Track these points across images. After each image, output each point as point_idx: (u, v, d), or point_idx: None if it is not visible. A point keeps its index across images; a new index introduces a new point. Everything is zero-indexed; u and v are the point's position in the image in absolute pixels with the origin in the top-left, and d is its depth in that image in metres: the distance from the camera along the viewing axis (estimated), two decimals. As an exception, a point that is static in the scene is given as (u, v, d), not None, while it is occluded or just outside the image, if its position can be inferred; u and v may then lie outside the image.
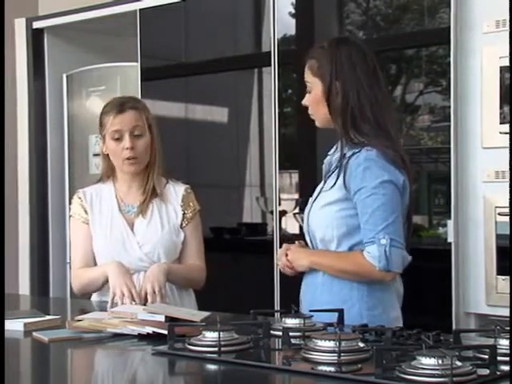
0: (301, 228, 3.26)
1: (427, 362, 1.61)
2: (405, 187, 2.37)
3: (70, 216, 2.98)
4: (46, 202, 4.97)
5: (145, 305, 2.57)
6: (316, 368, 1.74)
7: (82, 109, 4.85)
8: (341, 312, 2.23)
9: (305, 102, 2.48)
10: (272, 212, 3.84)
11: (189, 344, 1.94)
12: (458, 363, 1.63)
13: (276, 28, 3.80)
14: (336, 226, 2.37)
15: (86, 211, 2.89)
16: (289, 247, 2.49)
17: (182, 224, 2.88)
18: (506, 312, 2.60)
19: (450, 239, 3.25)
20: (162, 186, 2.91)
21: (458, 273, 3.24)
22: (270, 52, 3.81)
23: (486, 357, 1.72)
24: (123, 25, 4.52)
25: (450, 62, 3.25)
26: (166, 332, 2.01)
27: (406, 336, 1.96)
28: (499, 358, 1.71)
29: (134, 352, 2.13)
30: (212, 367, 1.87)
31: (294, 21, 3.90)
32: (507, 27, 3.05)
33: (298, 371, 1.77)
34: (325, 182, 2.45)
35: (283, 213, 3.82)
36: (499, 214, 3.12)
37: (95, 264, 2.86)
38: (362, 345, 1.82)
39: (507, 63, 3.04)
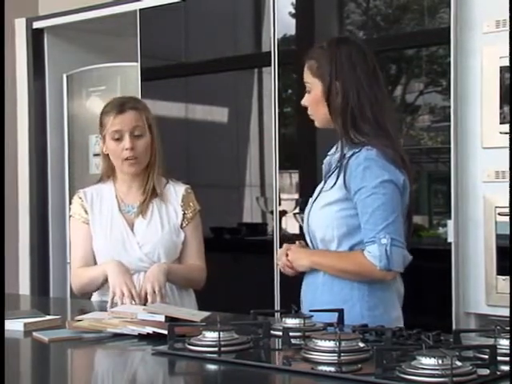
0: (301, 228, 3.26)
1: (427, 362, 1.61)
2: (405, 187, 2.37)
3: (70, 216, 2.98)
4: (46, 202, 4.97)
5: (145, 305, 2.57)
6: (316, 368, 1.74)
7: (82, 109, 4.85)
8: (341, 312, 2.23)
9: (304, 102, 2.48)
10: (272, 212, 3.84)
11: (189, 344, 1.94)
12: (458, 363, 1.63)
13: (276, 28, 3.80)
14: (336, 226, 2.37)
15: (86, 211, 2.89)
16: (289, 247, 2.49)
17: (182, 224, 2.88)
18: (506, 312, 2.60)
19: (450, 239, 3.25)
20: (162, 186, 2.91)
21: (458, 273, 3.24)
22: (270, 52, 3.81)
23: (486, 357, 1.72)
24: (123, 25, 4.52)
25: (450, 62, 3.25)
26: (166, 332, 2.01)
27: (406, 336, 1.96)
28: (499, 358, 1.71)
29: (134, 352, 2.13)
30: (212, 367, 1.87)
31: (294, 21, 3.90)
32: (507, 27, 3.05)
33: (298, 371, 1.77)
34: (325, 182, 2.45)
35: (283, 213, 3.82)
36: (499, 214, 3.12)
37: (95, 264, 2.86)
38: (362, 345, 1.82)
39: (507, 63, 3.04)
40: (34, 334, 2.22)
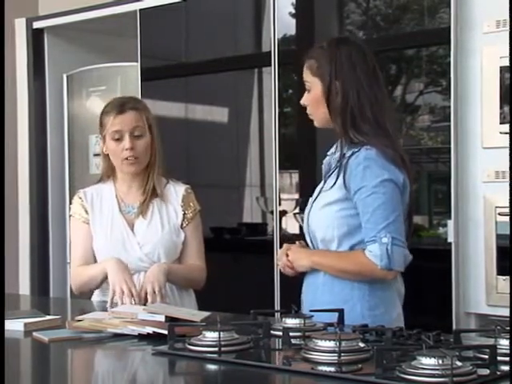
0: (301, 228, 3.26)
1: (427, 362, 1.61)
2: (405, 186, 2.37)
3: (70, 216, 2.98)
4: (46, 202, 4.97)
5: (145, 305, 2.57)
6: (316, 368, 1.74)
7: (82, 109, 4.85)
8: (341, 312, 2.23)
9: (303, 101, 2.48)
10: (272, 212, 3.84)
11: (189, 344, 1.94)
12: (459, 363, 1.63)
13: (276, 28, 3.80)
14: (337, 226, 2.37)
15: (86, 211, 2.89)
16: (289, 247, 2.49)
17: (182, 224, 2.88)
18: (506, 312, 2.60)
19: (450, 239, 3.25)
20: (163, 186, 2.91)
21: (458, 273, 3.24)
22: (270, 52, 3.81)
23: (487, 357, 1.72)
24: (123, 25, 4.52)
25: (450, 62, 3.25)
26: (166, 332, 2.01)
27: (406, 336, 1.96)
28: (499, 358, 1.71)
29: (134, 352, 2.13)
30: (212, 367, 1.87)
31: (294, 21, 3.90)
32: (507, 27, 3.05)
33: (298, 371, 1.77)
34: (325, 182, 2.45)
35: (283, 213, 3.82)
36: (499, 214, 3.12)
37: (95, 263, 2.86)
38: (362, 345, 1.82)
39: (507, 63, 3.04)
40: (34, 334, 2.22)
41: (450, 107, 3.26)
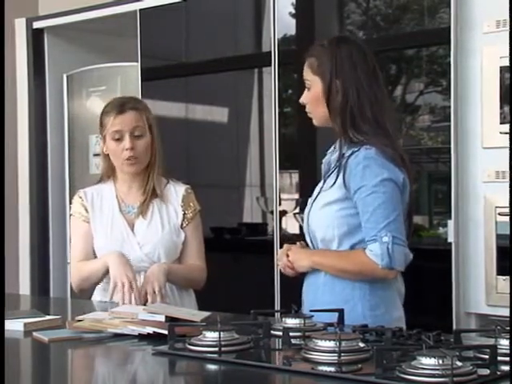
0: (301, 228, 3.25)
1: (427, 362, 1.61)
2: (405, 185, 2.37)
3: (70, 215, 2.98)
4: (46, 202, 4.97)
5: (145, 305, 2.57)
6: (316, 368, 1.74)
7: (82, 109, 4.85)
8: (341, 312, 2.23)
9: (303, 99, 2.48)
10: (272, 212, 3.84)
11: (189, 344, 1.94)
12: (459, 363, 1.63)
13: (276, 28, 3.80)
14: (337, 226, 2.37)
15: (86, 210, 2.89)
16: (290, 248, 2.49)
17: (182, 224, 2.88)
18: (506, 312, 2.60)
19: (451, 239, 3.25)
20: (163, 187, 2.91)
21: (458, 273, 3.24)
22: (271, 52, 3.81)
23: (487, 357, 1.72)
24: (123, 25, 4.52)
25: (450, 62, 3.25)
26: (166, 332, 2.01)
27: (406, 336, 1.96)
28: (499, 358, 1.71)
29: (134, 352, 2.13)
30: (212, 367, 1.87)
31: (294, 21, 3.90)
32: (507, 27, 3.05)
33: (298, 371, 1.77)
34: (324, 182, 2.44)
35: (283, 213, 3.82)
36: (499, 214, 3.12)
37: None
38: (362, 345, 1.82)
39: (507, 63, 3.04)
40: (34, 333, 2.22)
41: (450, 107, 3.26)
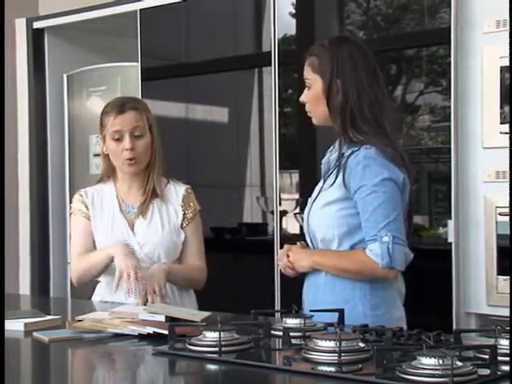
0: (301, 228, 3.26)
1: (428, 362, 1.61)
2: (405, 185, 2.37)
3: (70, 214, 2.97)
4: (46, 203, 4.98)
5: (145, 305, 2.57)
6: (316, 368, 1.74)
7: (82, 109, 4.85)
8: (341, 312, 2.23)
9: (303, 98, 2.47)
10: (272, 212, 3.84)
11: (189, 344, 1.94)
12: (459, 363, 1.63)
13: (276, 28, 3.80)
14: (337, 226, 2.37)
15: (87, 207, 2.88)
16: (290, 248, 2.49)
17: (182, 224, 2.88)
18: (506, 312, 2.60)
19: (451, 239, 3.25)
20: (163, 187, 2.91)
21: (458, 273, 3.24)
22: (271, 52, 3.81)
23: (487, 357, 1.72)
24: (124, 25, 4.52)
25: (450, 62, 3.25)
26: (166, 332, 2.01)
27: (406, 336, 1.96)
28: (500, 358, 1.71)
29: (134, 352, 2.13)
30: (212, 367, 1.87)
31: (294, 21, 3.90)
32: (507, 27, 3.05)
33: (298, 371, 1.77)
34: (324, 182, 2.44)
35: (284, 213, 3.82)
36: (500, 214, 3.12)
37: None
38: (362, 345, 1.82)
39: (507, 63, 3.04)
40: (35, 334, 2.22)
41: (450, 107, 3.26)
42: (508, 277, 3.07)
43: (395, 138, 2.45)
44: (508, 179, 2.91)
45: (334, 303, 2.31)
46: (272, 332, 2.01)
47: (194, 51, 4.31)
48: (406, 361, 1.67)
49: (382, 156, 2.32)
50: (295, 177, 3.88)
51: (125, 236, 2.83)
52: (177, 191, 2.92)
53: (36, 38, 4.94)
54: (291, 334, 1.96)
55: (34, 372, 2.03)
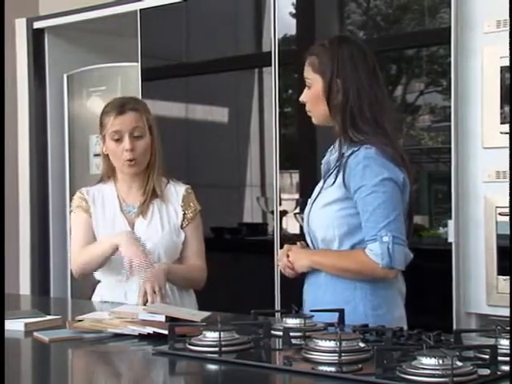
0: (301, 228, 3.26)
1: (428, 362, 1.61)
2: (405, 185, 2.37)
3: (70, 212, 2.97)
4: (46, 203, 4.98)
5: (145, 305, 2.57)
6: (317, 368, 1.74)
7: (82, 109, 4.85)
8: (341, 312, 2.23)
9: (303, 98, 2.47)
10: (272, 212, 3.84)
11: (189, 344, 1.94)
12: (459, 363, 1.63)
13: (276, 28, 3.80)
14: (337, 226, 2.37)
15: (87, 203, 2.88)
16: (290, 248, 2.49)
17: (182, 224, 2.88)
18: (506, 312, 2.60)
19: (451, 239, 3.25)
20: (163, 187, 2.91)
21: (458, 273, 3.24)
22: (271, 52, 3.81)
23: (487, 357, 1.72)
24: (124, 25, 4.52)
25: (450, 62, 3.25)
26: (166, 332, 2.01)
27: (406, 336, 1.96)
28: (500, 358, 1.71)
29: (134, 352, 2.13)
30: (213, 367, 1.87)
31: (294, 21, 3.90)
32: (508, 27, 3.05)
33: (298, 371, 1.77)
34: (324, 182, 2.44)
35: (284, 213, 3.82)
36: (500, 214, 3.12)
37: None
38: (362, 345, 1.82)
39: (508, 63, 3.04)
40: (35, 333, 2.22)
41: (450, 107, 3.26)
42: (508, 277, 3.07)
43: (395, 138, 2.45)
44: (508, 179, 2.91)
45: (334, 303, 2.30)
46: (272, 332, 2.01)
47: (194, 51, 4.31)
48: (406, 361, 1.67)
49: (381, 156, 2.32)
50: (295, 177, 3.88)
51: (125, 236, 2.82)
52: (177, 191, 2.92)
53: (36, 38, 4.94)
54: (291, 334, 1.96)
55: (34, 372, 2.03)
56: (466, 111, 3.23)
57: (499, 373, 1.67)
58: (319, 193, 2.44)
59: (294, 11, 3.87)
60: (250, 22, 4.15)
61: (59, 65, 4.95)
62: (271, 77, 3.82)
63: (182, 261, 2.89)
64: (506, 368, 1.68)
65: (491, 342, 1.83)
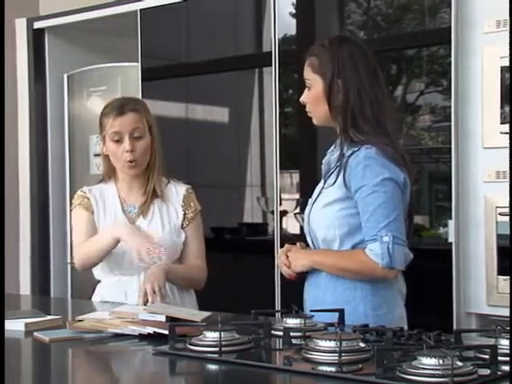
0: (302, 228, 3.26)
1: (428, 362, 1.61)
2: (405, 184, 2.37)
3: (71, 210, 2.96)
4: (46, 203, 4.98)
5: (145, 305, 2.57)
6: (317, 368, 1.74)
7: (82, 109, 4.85)
8: (341, 312, 2.23)
9: (303, 99, 2.47)
10: (273, 212, 3.84)
11: (190, 344, 1.94)
12: (459, 363, 1.63)
13: (277, 28, 3.80)
14: (338, 226, 2.37)
15: (88, 199, 2.87)
16: (290, 248, 2.48)
17: (182, 224, 2.88)
18: (506, 312, 2.60)
19: (451, 239, 3.25)
20: (163, 187, 2.91)
21: (458, 273, 3.24)
22: (271, 52, 3.81)
23: (487, 357, 1.72)
24: (124, 25, 4.52)
25: (450, 62, 3.25)
26: (166, 332, 2.01)
27: (406, 336, 1.96)
28: (500, 358, 1.70)
29: (134, 352, 2.13)
30: (213, 367, 1.87)
31: (294, 21, 3.90)
32: (508, 27, 3.05)
33: (298, 371, 1.77)
34: (325, 182, 2.44)
35: (284, 213, 3.82)
36: (500, 214, 3.12)
37: None
38: (362, 345, 1.82)
39: (508, 63, 3.04)
40: (35, 333, 2.22)
41: (450, 107, 3.26)
42: (508, 277, 3.07)
43: (396, 138, 2.45)
44: (508, 179, 2.91)
45: (335, 303, 2.30)
46: (272, 332, 2.01)
47: (194, 51, 4.31)
48: (406, 361, 1.67)
49: (382, 156, 2.32)
50: (295, 177, 3.88)
51: (125, 236, 2.82)
52: (177, 191, 2.92)
53: (36, 38, 4.94)
54: (291, 333, 1.96)
55: (34, 372, 2.03)
56: (466, 111, 3.23)
57: (499, 373, 1.67)
58: (320, 193, 2.44)
59: (294, 11, 3.87)
60: (250, 22, 4.15)
61: (59, 65, 4.95)
62: (271, 77, 3.82)
63: (182, 261, 2.89)
64: (506, 368, 1.68)
65: (491, 342, 1.83)
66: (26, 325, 2.32)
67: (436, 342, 1.85)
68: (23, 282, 4.96)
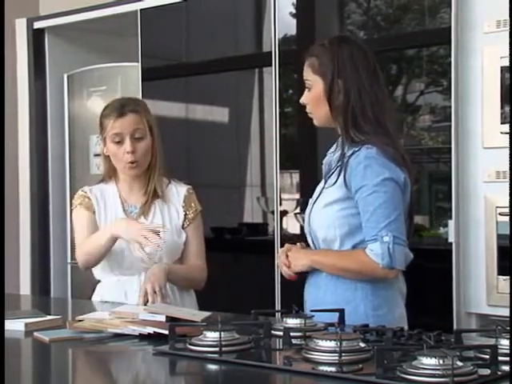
0: (302, 228, 3.26)
1: (428, 362, 1.61)
2: (406, 184, 2.37)
3: (71, 210, 2.96)
4: (46, 203, 4.97)
5: (145, 305, 2.57)
6: (317, 368, 1.74)
7: (82, 109, 4.85)
8: (342, 312, 2.23)
9: (303, 99, 2.47)
10: (273, 212, 3.84)
11: (190, 344, 1.94)
12: (459, 363, 1.63)
13: (277, 28, 3.80)
14: (338, 226, 2.37)
15: (91, 201, 2.87)
16: (290, 248, 2.48)
17: (183, 224, 2.88)
18: (506, 312, 2.60)
19: (451, 239, 3.25)
20: (164, 187, 2.91)
21: (458, 273, 3.24)
22: (271, 52, 3.81)
23: (487, 357, 1.72)
24: (124, 25, 4.52)
25: (450, 62, 3.25)
26: (166, 332, 2.01)
27: (407, 336, 1.96)
28: (500, 358, 1.70)
29: (134, 352, 2.13)
30: (213, 367, 1.87)
31: (294, 21, 3.90)
32: (508, 27, 3.05)
33: (298, 371, 1.77)
34: (325, 182, 2.44)
35: (284, 213, 3.82)
36: (500, 214, 3.12)
37: None
38: (362, 345, 1.82)
39: (508, 63, 3.03)
40: (35, 333, 2.22)
41: (450, 107, 3.26)
42: (508, 277, 3.07)
43: (396, 138, 2.45)
44: (508, 179, 2.91)
45: (335, 303, 2.30)
46: (272, 332, 2.01)
47: (195, 51, 4.31)
48: (406, 361, 1.67)
49: (383, 156, 2.32)
50: (296, 177, 3.88)
51: (126, 236, 2.82)
52: (178, 192, 2.92)
53: (36, 38, 4.94)
54: (292, 333, 1.96)
55: (34, 372, 2.03)
56: (466, 111, 3.23)
57: (499, 373, 1.67)
58: (320, 193, 2.44)
59: (294, 11, 3.87)
60: (250, 22, 4.15)
61: (59, 65, 4.95)
62: (271, 77, 3.82)
63: (183, 261, 2.89)
64: (507, 368, 1.68)
65: (491, 341, 1.83)
66: (26, 325, 2.32)
67: (436, 341, 1.85)
68: (23, 281, 4.96)
